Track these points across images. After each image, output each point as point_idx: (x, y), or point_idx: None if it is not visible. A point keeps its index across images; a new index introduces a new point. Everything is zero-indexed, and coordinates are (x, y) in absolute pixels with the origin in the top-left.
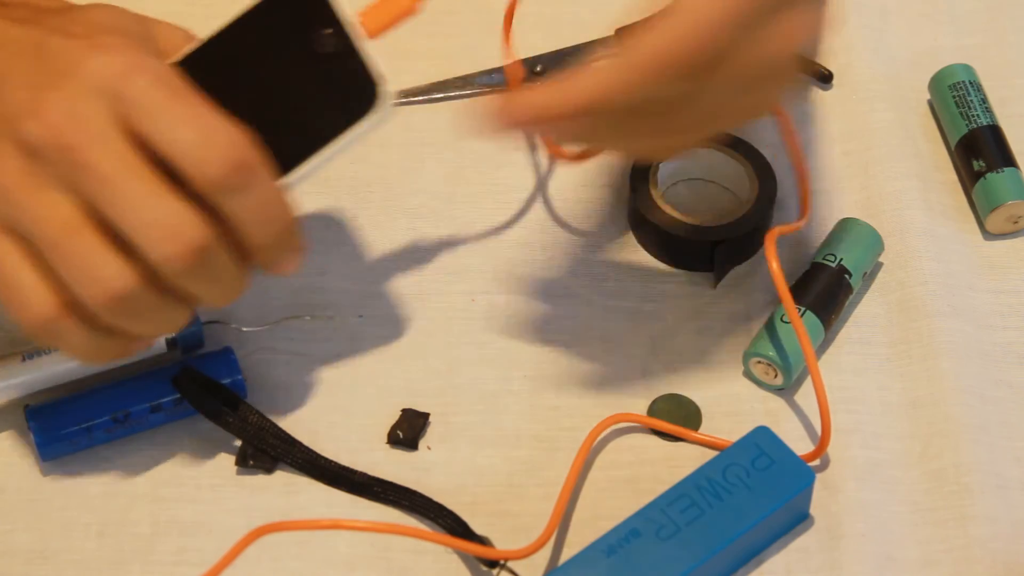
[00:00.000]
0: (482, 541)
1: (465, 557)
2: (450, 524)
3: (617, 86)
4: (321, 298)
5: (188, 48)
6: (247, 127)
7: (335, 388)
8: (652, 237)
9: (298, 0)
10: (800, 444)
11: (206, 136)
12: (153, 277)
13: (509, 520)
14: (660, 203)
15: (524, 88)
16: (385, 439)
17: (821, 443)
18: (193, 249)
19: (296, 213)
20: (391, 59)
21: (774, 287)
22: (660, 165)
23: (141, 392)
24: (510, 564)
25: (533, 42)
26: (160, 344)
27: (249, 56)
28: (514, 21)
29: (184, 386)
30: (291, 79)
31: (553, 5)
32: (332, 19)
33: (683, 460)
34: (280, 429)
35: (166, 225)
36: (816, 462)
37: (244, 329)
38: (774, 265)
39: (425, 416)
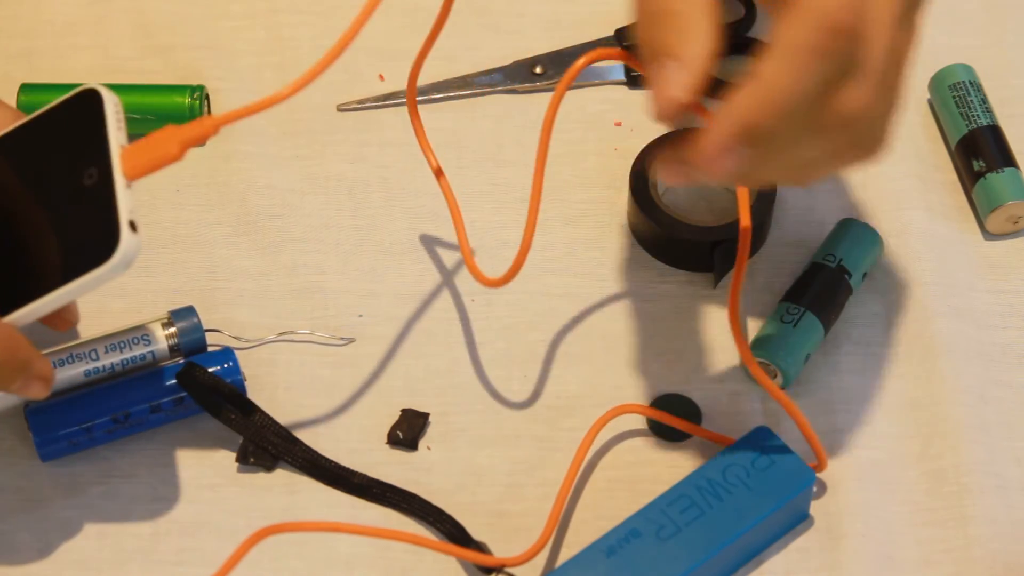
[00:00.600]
0: (479, 547)
1: (464, 560)
2: (448, 529)
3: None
4: (321, 298)
5: None
6: None
7: (335, 388)
8: (652, 237)
9: (80, 119)
10: (800, 444)
11: None
12: None
13: (509, 520)
14: (660, 203)
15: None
16: (385, 439)
17: (818, 466)
18: None
19: (23, 350)
20: (391, 59)
21: (775, 288)
22: None
23: (141, 392)
24: (508, 569)
25: (533, 42)
26: (163, 350)
27: (5, 173)
28: (514, 21)
29: (187, 382)
30: (41, 210)
31: (553, 5)
32: (101, 155)
33: (683, 461)
34: (281, 427)
35: None
36: (806, 455)
37: (243, 340)
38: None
39: (425, 416)
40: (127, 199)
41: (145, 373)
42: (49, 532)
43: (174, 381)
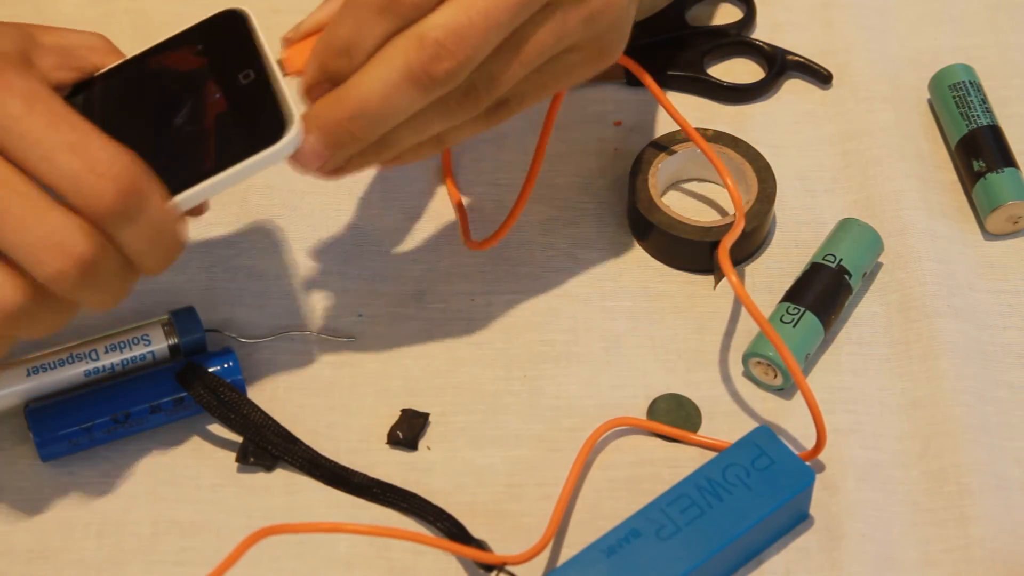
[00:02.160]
0: (480, 545)
1: (464, 558)
2: (448, 527)
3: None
4: (320, 298)
5: (109, 66)
6: (147, 141)
7: (335, 388)
8: (652, 237)
9: (225, 34)
10: (800, 444)
11: (89, 164)
12: (41, 289)
13: (509, 520)
14: (660, 203)
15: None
16: (385, 439)
17: (817, 444)
18: (79, 264)
19: (186, 231)
20: None
21: (774, 288)
22: (660, 165)
23: (141, 392)
24: (508, 567)
25: None
26: (163, 350)
27: (165, 77)
28: None
29: (187, 382)
30: (203, 103)
31: None
32: (255, 56)
33: (683, 460)
34: (281, 427)
35: (49, 244)
36: (812, 461)
37: (243, 340)
38: (733, 278)
39: (425, 416)
40: (290, 92)
41: (145, 373)
42: (49, 532)
43: (174, 381)
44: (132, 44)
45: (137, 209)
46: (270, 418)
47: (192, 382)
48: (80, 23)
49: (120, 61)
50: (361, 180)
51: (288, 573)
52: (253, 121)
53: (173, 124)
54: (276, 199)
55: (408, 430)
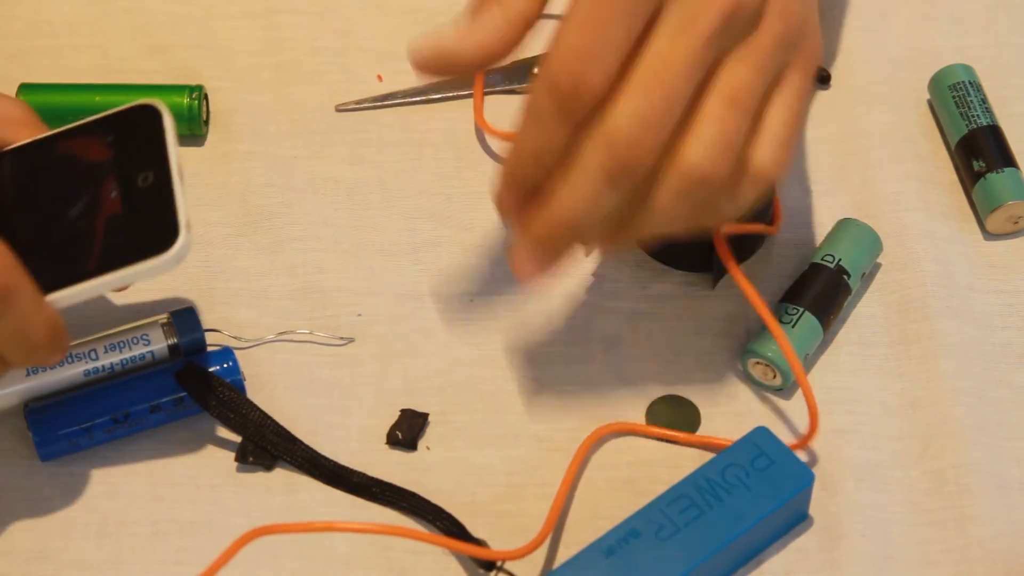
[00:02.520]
0: (479, 543)
1: (463, 558)
2: (447, 526)
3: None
4: (320, 298)
5: (18, 143)
6: (38, 230)
7: (334, 388)
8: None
9: (137, 128)
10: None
11: None
12: None
13: (508, 520)
14: None
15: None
16: (384, 439)
17: (809, 431)
18: None
19: (59, 327)
20: (389, 60)
21: (774, 288)
22: None
23: (141, 392)
24: (507, 565)
25: (532, 42)
26: (163, 349)
27: (70, 165)
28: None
29: (186, 381)
30: (99, 200)
31: (553, 5)
32: (160, 158)
33: (682, 460)
34: (281, 427)
35: None
36: (806, 455)
37: (243, 340)
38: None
39: (424, 416)
40: (184, 201)
41: (145, 373)
42: (49, 532)
43: (174, 381)
44: (131, 44)
45: (3, 307)
46: (269, 417)
47: (191, 381)
48: (79, 23)
49: (30, 140)
50: (361, 181)
51: (288, 573)
52: (143, 227)
53: (67, 216)
54: (276, 199)
55: (407, 430)
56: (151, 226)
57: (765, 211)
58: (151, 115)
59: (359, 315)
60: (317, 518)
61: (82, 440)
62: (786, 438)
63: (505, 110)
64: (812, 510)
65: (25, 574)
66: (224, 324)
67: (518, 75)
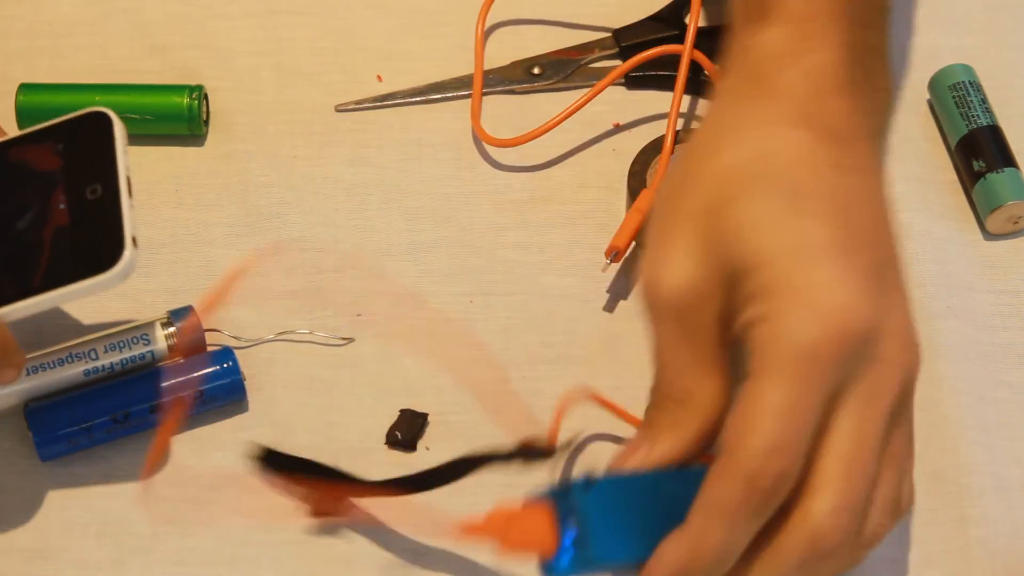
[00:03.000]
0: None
1: (464, 558)
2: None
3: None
4: (319, 298)
5: None
6: None
7: (334, 388)
8: None
9: (88, 136)
10: None
11: None
12: None
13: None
14: None
15: None
16: (384, 439)
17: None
18: None
19: (9, 344)
20: (388, 60)
21: None
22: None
23: (141, 392)
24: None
25: (532, 43)
26: (163, 349)
27: (21, 173)
28: (513, 21)
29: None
30: (47, 211)
31: (552, 5)
32: (109, 169)
33: None
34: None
35: None
36: None
37: (242, 340)
38: None
39: (424, 416)
40: (131, 216)
41: (145, 373)
42: (49, 532)
43: (173, 381)
44: (131, 45)
45: None
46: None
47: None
48: (79, 23)
49: None
50: (361, 181)
51: (287, 572)
52: (89, 243)
53: (15, 227)
54: (276, 198)
55: (407, 431)
56: (97, 241)
57: None
58: (103, 122)
59: (359, 316)
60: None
61: (82, 440)
62: None
63: (504, 110)
64: None
65: (25, 574)
66: (224, 324)
67: (518, 75)
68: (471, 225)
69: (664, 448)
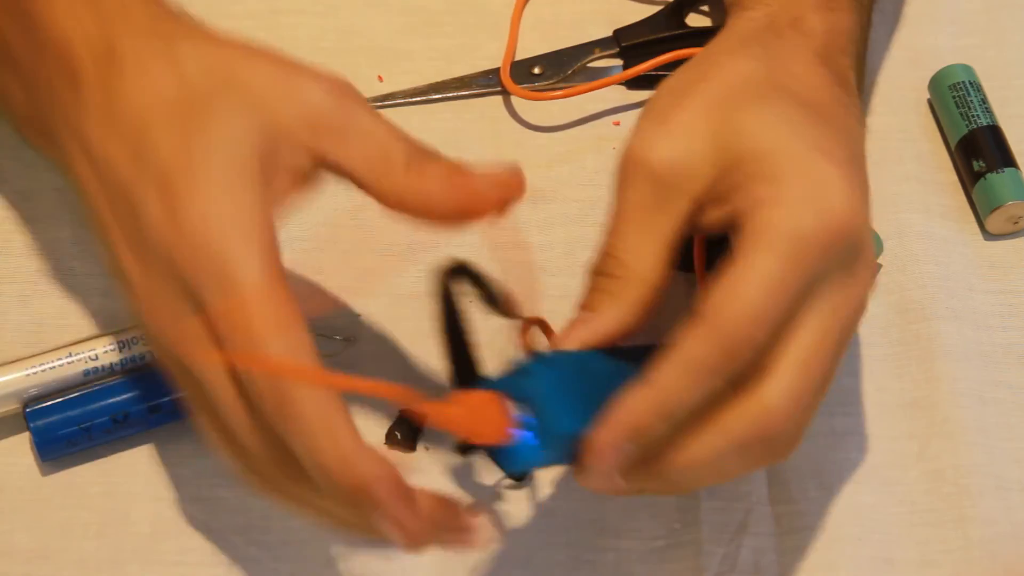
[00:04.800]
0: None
1: (464, 559)
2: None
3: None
4: (320, 297)
5: None
6: None
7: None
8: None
9: None
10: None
11: None
12: None
13: (509, 520)
14: None
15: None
16: (383, 440)
17: None
18: None
19: None
20: (390, 60)
21: None
22: None
23: (141, 392)
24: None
25: (532, 42)
26: None
27: None
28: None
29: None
30: None
31: (553, 5)
32: None
33: None
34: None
35: None
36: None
37: None
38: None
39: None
40: None
41: (145, 373)
42: (49, 532)
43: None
44: None
45: None
46: None
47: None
48: None
49: None
50: None
51: (287, 572)
52: None
53: None
54: None
55: (407, 431)
56: None
57: None
58: None
59: (359, 316)
60: None
61: (82, 440)
62: None
63: (503, 111)
64: (811, 510)
65: (25, 574)
66: None
67: (518, 75)
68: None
69: (607, 319)
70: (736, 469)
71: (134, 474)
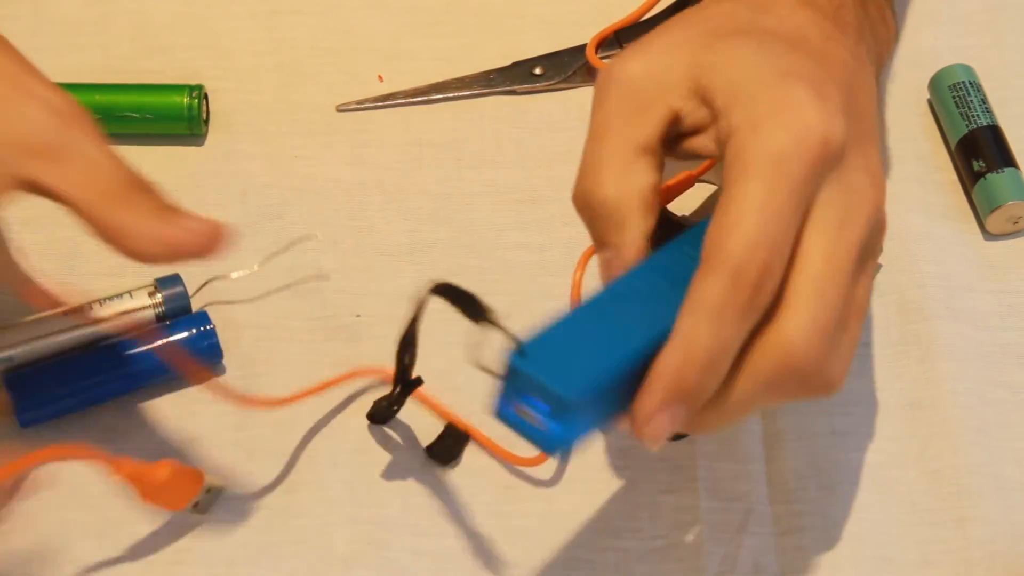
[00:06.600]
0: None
1: (463, 559)
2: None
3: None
4: (320, 298)
5: None
6: None
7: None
8: (651, 237)
9: None
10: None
11: None
12: None
13: (508, 520)
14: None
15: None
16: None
17: None
18: None
19: None
20: (390, 60)
21: None
22: None
23: (120, 358)
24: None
25: (533, 42)
26: (149, 315)
27: None
28: (514, 22)
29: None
30: None
31: (553, 5)
32: None
33: None
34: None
35: None
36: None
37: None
38: None
39: (466, 437)
40: None
41: (123, 340)
42: (49, 532)
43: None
44: (132, 44)
45: None
46: None
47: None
48: (80, 24)
49: None
50: (361, 181)
51: (286, 572)
52: None
53: None
54: (275, 198)
55: (449, 446)
56: None
57: None
58: None
59: (358, 316)
60: (317, 516)
61: (67, 405)
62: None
63: (505, 111)
64: (810, 510)
65: (25, 574)
66: (223, 324)
67: (519, 76)
68: (471, 225)
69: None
70: (777, 402)
71: None
